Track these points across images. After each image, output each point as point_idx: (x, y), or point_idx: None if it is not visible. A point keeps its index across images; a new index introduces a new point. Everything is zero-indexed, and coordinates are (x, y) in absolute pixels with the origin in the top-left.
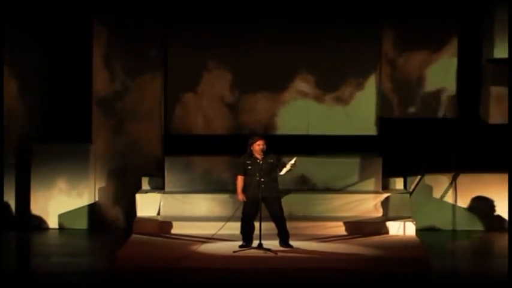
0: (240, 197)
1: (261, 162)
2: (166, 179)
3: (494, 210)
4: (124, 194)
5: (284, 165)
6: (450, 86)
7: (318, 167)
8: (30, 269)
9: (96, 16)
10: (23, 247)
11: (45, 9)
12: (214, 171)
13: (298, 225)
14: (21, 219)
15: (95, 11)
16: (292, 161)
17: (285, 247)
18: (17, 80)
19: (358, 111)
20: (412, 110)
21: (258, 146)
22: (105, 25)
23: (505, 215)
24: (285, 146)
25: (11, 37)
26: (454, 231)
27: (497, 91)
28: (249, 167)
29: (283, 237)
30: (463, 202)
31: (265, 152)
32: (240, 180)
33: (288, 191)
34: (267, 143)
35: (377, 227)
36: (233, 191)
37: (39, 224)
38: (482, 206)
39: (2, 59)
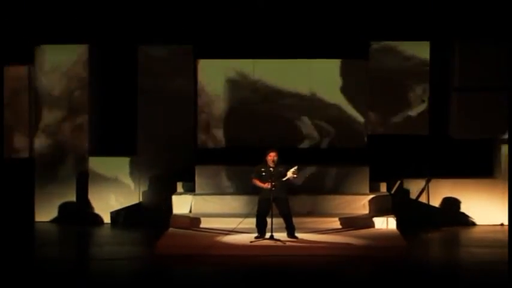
0: (266, 185)
1: (272, 170)
2: (197, 184)
3: (459, 208)
4: (162, 195)
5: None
6: (423, 107)
7: (318, 174)
8: (89, 255)
9: (140, 43)
10: (83, 238)
11: (96, 34)
12: (235, 177)
13: (302, 221)
14: (81, 216)
15: (139, 38)
16: (292, 170)
17: (291, 238)
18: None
19: (350, 129)
20: (393, 127)
21: (270, 157)
22: (146, 52)
23: (468, 212)
24: (293, 157)
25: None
26: (427, 225)
27: (460, 113)
28: (263, 174)
29: (290, 230)
30: (435, 202)
31: (278, 162)
32: (255, 180)
33: (294, 193)
34: (278, 155)
35: (365, 222)
36: (249, 193)
37: (95, 220)
38: (450, 205)
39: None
